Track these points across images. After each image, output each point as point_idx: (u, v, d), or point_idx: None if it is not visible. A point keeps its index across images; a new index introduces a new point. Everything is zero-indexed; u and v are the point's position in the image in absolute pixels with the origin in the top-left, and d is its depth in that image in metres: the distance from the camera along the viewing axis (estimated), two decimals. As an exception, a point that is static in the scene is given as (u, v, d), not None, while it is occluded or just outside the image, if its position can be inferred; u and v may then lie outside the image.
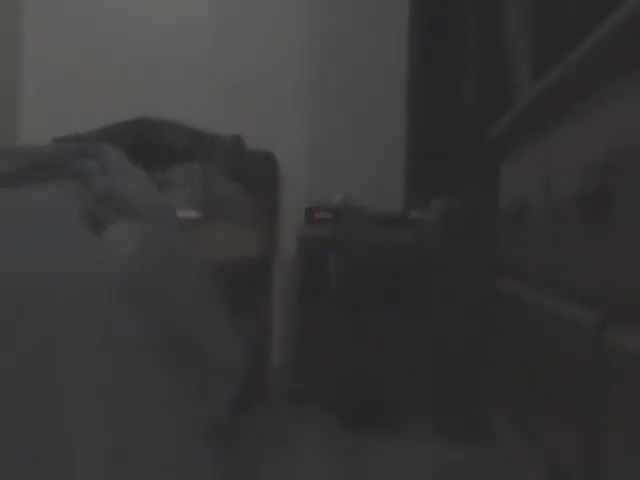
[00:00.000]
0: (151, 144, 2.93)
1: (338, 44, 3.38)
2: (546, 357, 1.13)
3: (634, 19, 0.77)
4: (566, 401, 1.02)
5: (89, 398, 1.54)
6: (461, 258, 2.72)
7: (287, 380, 3.13)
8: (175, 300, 1.80)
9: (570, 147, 1.09)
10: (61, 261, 1.61)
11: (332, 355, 2.87)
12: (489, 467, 1.59)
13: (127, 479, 1.54)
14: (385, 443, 2.54)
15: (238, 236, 2.49)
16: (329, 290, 2.98)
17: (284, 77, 3.39)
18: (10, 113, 3.46)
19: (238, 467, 2.18)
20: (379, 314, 2.91)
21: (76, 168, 2.04)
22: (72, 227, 1.76)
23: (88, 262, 1.60)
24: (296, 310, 3.10)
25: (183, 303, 1.85)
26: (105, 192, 1.95)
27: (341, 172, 3.36)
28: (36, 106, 3.47)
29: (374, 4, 3.38)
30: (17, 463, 1.54)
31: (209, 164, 2.76)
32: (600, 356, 0.86)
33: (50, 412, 1.53)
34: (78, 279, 1.57)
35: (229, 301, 2.09)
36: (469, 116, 2.86)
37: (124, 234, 1.76)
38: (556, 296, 1.14)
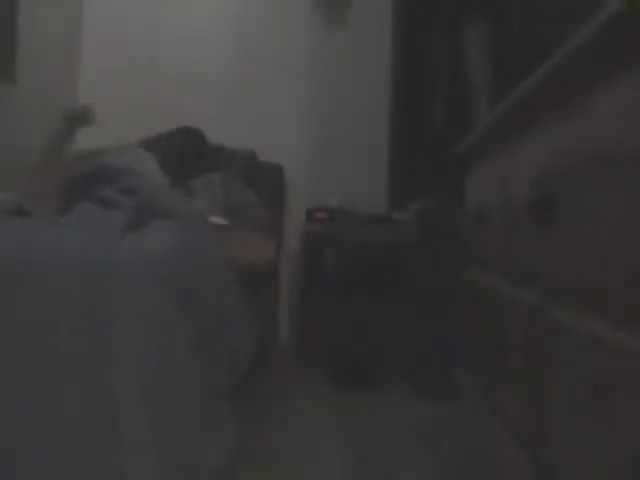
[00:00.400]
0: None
1: (337, 83, 3.44)
2: (501, 329, 1.12)
3: (563, 65, 0.81)
4: (517, 363, 1.01)
5: (136, 367, 1.56)
6: (433, 250, 2.76)
7: (291, 350, 3.18)
8: (203, 292, 1.82)
9: (522, 162, 1.09)
10: (104, 258, 1.61)
11: (329, 329, 2.90)
12: (457, 419, 1.64)
13: (166, 431, 1.57)
14: (371, 399, 2.57)
15: (258, 244, 2.48)
16: (326, 277, 3.01)
17: (291, 104, 3.41)
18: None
19: (256, 414, 2.24)
20: (367, 295, 2.94)
21: (97, 197, 2.00)
22: (112, 229, 1.77)
23: (129, 257, 1.62)
24: (299, 294, 3.14)
25: (209, 294, 1.86)
26: (137, 207, 1.92)
27: (336, 179, 3.38)
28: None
29: (366, 54, 3.46)
30: (73, 420, 1.55)
31: (229, 174, 2.76)
32: (542, 328, 0.87)
33: (100, 375, 1.56)
34: (122, 272, 1.58)
35: (243, 290, 2.12)
36: (438, 137, 2.91)
37: (161, 234, 1.76)
38: (509, 281, 1.12)
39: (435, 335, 2.67)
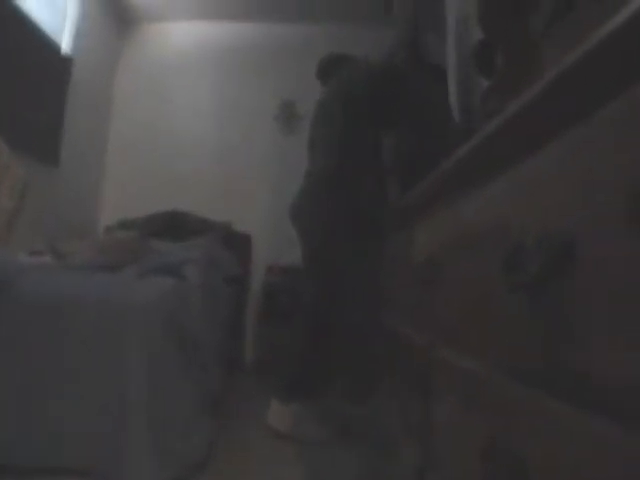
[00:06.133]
0: (177, 226, 2.96)
1: (290, 174, 3.45)
2: (405, 358, 1.11)
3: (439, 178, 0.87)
4: (412, 383, 1.01)
5: (142, 379, 1.56)
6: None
7: (254, 367, 3.17)
8: (187, 326, 1.84)
9: (417, 242, 1.06)
10: (123, 297, 1.65)
11: (276, 352, 2.90)
12: (373, 415, 1.67)
13: (160, 425, 1.56)
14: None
15: None
16: (277, 313, 3.03)
17: (259, 190, 3.46)
18: (95, 204, 3.46)
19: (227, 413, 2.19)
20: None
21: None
22: (130, 279, 1.83)
23: (138, 300, 1.65)
24: (257, 325, 3.17)
25: (193, 328, 1.88)
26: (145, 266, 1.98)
27: (288, 245, 3.27)
28: (112, 202, 3.47)
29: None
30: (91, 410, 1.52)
31: (212, 239, 2.77)
32: (429, 359, 0.88)
33: (118, 382, 1.55)
34: (133, 309, 1.61)
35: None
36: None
37: (160, 285, 1.80)
38: (409, 328, 1.14)
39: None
